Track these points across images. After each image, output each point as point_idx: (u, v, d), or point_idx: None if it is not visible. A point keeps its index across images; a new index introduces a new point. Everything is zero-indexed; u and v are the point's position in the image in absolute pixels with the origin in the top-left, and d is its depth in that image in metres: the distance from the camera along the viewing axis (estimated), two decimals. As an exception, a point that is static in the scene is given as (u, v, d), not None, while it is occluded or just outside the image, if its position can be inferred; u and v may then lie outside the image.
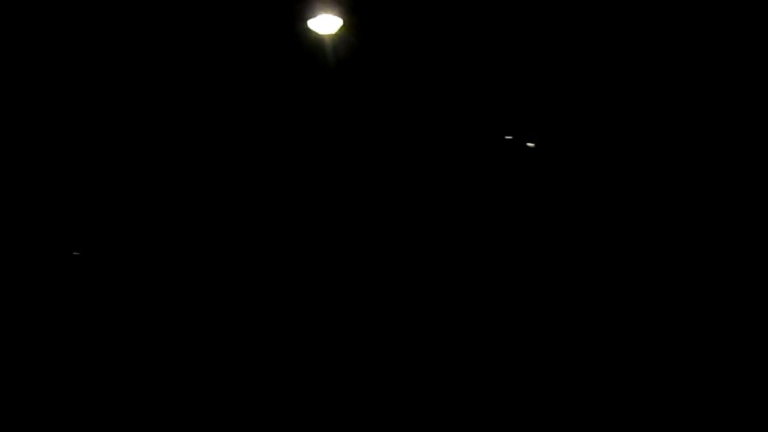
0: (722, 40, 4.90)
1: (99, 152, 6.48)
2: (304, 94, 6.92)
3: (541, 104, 6.96)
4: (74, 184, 6.38)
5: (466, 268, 6.92)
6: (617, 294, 5.51)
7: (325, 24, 6.17)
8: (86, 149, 6.46)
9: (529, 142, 8.30)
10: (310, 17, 6.00)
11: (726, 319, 4.42)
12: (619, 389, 3.22)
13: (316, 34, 6.33)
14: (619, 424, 2.82)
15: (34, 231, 5.99)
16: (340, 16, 6.06)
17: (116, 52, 6.07)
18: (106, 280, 5.85)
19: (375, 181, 7.13)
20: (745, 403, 2.90)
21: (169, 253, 6.07)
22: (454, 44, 6.12)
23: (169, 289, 5.52)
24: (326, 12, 5.98)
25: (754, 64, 4.99)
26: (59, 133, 6.25)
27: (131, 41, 5.93)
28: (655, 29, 5.10)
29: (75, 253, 5.98)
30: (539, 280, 6.48)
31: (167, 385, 3.39)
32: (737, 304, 4.66)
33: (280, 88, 6.82)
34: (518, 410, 2.93)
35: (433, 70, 6.46)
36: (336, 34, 6.37)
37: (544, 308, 5.33)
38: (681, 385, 3.24)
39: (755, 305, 4.50)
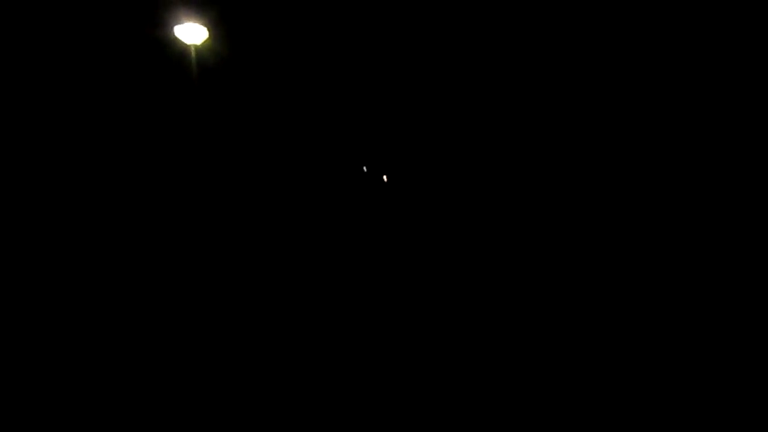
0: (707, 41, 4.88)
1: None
2: (167, 99, 7.13)
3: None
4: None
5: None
6: (611, 293, 5.51)
7: (192, 33, 6.69)
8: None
9: (384, 174, 8.79)
10: (176, 24, 6.47)
11: (725, 319, 4.39)
12: (616, 388, 3.13)
13: (182, 42, 6.79)
14: (619, 424, 2.65)
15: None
16: (205, 26, 6.66)
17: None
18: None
19: (232, 180, 7.35)
20: (745, 402, 2.85)
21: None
22: (315, 56, 7.02)
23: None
24: (192, 21, 6.53)
25: (754, 64, 4.82)
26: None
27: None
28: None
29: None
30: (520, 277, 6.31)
31: (166, 385, 3.18)
32: (736, 303, 4.60)
33: (142, 92, 6.95)
34: (511, 409, 2.88)
35: (296, 80, 7.26)
36: (202, 44, 6.91)
37: (535, 306, 5.34)
38: (680, 384, 3.17)
39: (754, 304, 4.43)
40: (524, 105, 7.05)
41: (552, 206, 7.39)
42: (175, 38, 6.72)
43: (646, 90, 6.02)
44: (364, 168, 9.19)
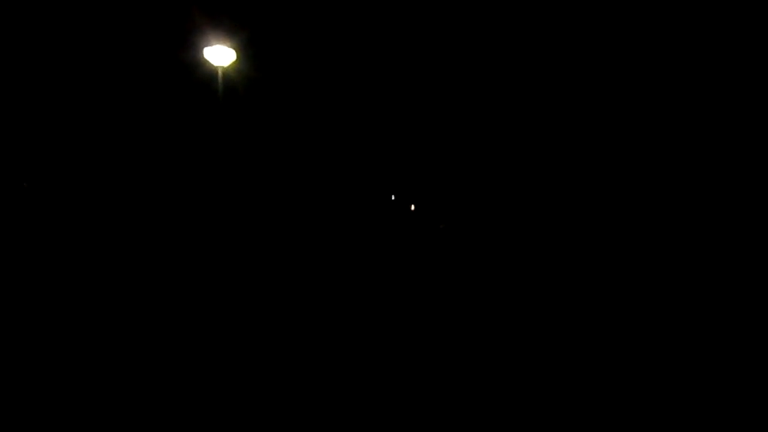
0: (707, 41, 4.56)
1: None
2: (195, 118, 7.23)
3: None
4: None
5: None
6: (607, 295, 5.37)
7: (220, 55, 6.79)
8: None
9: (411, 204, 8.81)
10: (206, 46, 6.59)
11: (725, 319, 4.29)
12: (615, 389, 3.08)
13: (211, 64, 6.88)
14: (619, 424, 2.60)
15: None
16: (234, 49, 6.75)
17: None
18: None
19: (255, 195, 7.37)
20: (745, 402, 2.81)
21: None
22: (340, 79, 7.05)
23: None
24: (221, 43, 6.64)
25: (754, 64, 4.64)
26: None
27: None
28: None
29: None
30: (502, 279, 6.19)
31: (165, 386, 3.14)
32: (736, 303, 4.51)
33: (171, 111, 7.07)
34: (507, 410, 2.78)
35: (319, 103, 7.29)
36: (230, 66, 6.99)
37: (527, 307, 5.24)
38: (680, 384, 3.11)
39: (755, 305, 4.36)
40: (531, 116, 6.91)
41: (555, 209, 7.34)
42: (204, 60, 6.83)
43: (645, 91, 5.76)
44: (392, 196, 9.16)
